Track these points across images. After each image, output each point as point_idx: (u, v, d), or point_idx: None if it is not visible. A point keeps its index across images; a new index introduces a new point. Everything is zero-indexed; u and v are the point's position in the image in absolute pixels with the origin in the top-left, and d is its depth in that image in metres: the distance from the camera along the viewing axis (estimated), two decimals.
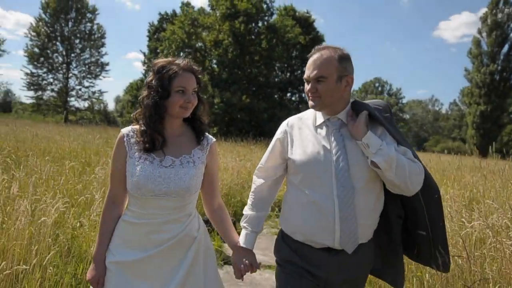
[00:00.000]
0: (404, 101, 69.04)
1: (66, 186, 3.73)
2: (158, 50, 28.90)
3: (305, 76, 1.58)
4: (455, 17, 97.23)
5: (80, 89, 38.58)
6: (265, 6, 27.23)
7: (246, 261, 1.61)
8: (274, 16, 26.79)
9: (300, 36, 25.04)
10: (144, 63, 35.20)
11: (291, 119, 1.72)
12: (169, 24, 29.29)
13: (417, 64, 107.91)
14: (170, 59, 1.53)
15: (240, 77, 23.83)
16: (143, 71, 34.82)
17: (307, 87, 1.57)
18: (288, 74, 31.08)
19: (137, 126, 1.53)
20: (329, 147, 1.54)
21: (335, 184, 1.49)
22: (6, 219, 2.59)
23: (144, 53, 35.46)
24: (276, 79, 29.22)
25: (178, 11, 32.62)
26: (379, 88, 72.40)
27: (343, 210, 1.47)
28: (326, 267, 1.54)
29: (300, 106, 31.33)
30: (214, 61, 25.05)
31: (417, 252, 1.67)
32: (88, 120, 35.30)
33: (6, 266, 2.16)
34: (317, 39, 31.37)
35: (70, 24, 37.47)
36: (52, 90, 37.74)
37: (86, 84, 38.80)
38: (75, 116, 37.74)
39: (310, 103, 1.57)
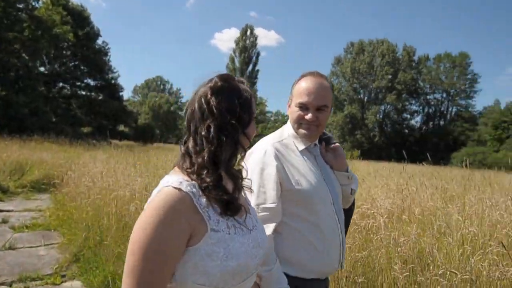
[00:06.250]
0: (183, 100, 76.47)
1: None
2: None
3: (304, 101, 1.46)
4: (226, 31, 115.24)
5: None
6: None
7: None
8: (40, 3, 24.85)
9: (69, 33, 24.60)
10: None
11: (275, 145, 1.48)
12: None
13: (199, 67, 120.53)
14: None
15: None
16: None
17: (303, 114, 1.48)
18: (57, 66, 29.40)
19: (188, 179, 0.91)
20: (320, 174, 1.50)
21: (334, 209, 1.48)
22: None
23: None
24: (42, 70, 27.13)
25: None
26: (161, 86, 76.83)
27: (343, 232, 1.51)
28: None
29: (71, 100, 30.28)
30: None
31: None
32: None
33: None
34: (93, 34, 31.22)
35: None
36: None
37: None
38: None
39: (305, 132, 1.49)
